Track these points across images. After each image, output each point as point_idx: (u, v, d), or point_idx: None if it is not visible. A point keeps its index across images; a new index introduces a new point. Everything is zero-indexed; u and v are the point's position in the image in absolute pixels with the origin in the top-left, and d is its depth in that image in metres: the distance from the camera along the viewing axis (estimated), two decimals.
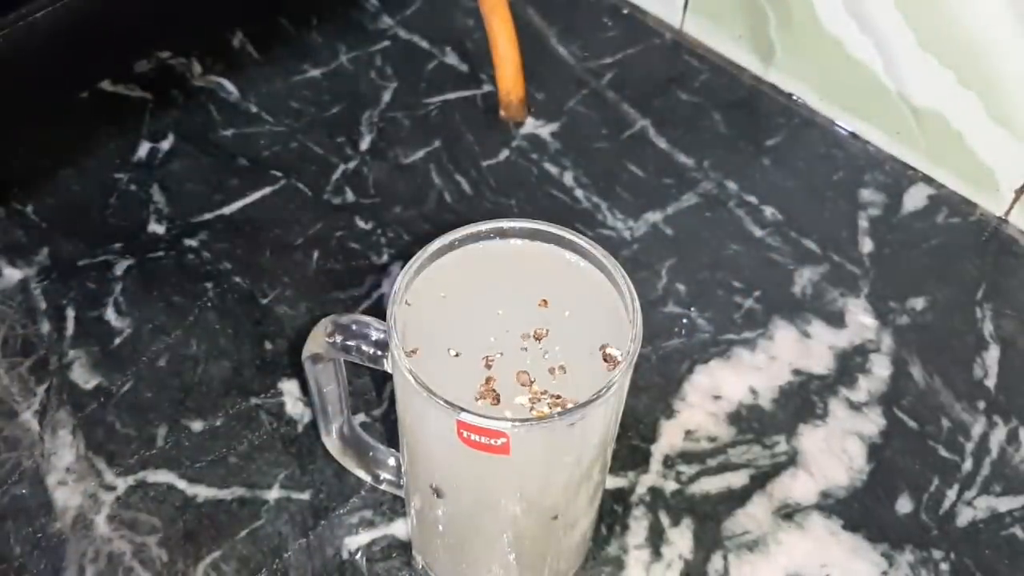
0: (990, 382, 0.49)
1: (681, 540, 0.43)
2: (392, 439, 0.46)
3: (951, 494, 0.45)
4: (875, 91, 0.57)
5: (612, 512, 0.44)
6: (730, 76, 0.63)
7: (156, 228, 0.54)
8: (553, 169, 0.57)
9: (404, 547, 0.43)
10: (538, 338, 0.33)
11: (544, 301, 0.34)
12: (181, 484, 0.44)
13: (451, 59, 0.63)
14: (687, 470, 0.46)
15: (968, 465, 0.46)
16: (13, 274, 0.52)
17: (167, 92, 0.61)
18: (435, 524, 0.38)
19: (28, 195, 0.55)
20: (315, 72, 0.62)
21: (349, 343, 0.34)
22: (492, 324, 0.33)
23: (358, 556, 0.43)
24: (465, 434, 0.30)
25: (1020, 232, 0.55)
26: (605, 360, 0.32)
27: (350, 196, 0.56)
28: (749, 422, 0.47)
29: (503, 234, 0.35)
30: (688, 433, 0.47)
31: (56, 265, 0.52)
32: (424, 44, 0.64)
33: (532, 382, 0.32)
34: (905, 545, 0.43)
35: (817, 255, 0.54)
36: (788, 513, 0.44)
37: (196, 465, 0.45)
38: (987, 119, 0.53)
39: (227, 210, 0.55)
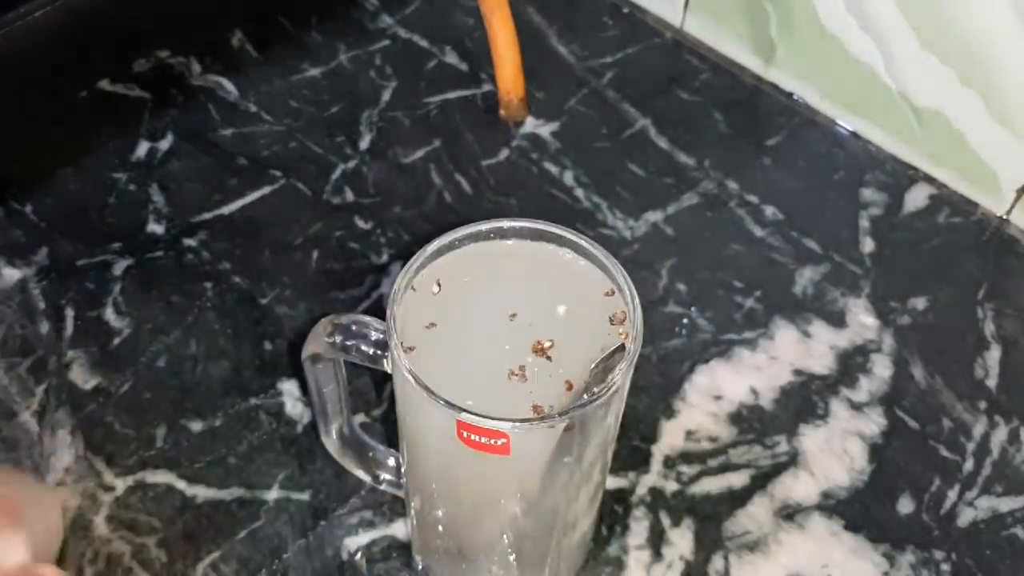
0: (991, 382, 0.49)
1: (682, 540, 0.43)
2: (392, 439, 0.46)
3: (952, 494, 0.45)
4: (876, 90, 0.57)
5: (612, 512, 0.44)
6: (731, 75, 0.63)
7: (155, 228, 0.54)
8: (553, 169, 0.57)
9: (404, 548, 0.43)
10: (538, 337, 0.33)
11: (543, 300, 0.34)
12: (180, 484, 0.44)
13: (451, 59, 0.63)
14: (688, 470, 0.45)
15: (969, 465, 0.46)
16: (12, 274, 0.51)
17: (166, 92, 0.61)
18: (435, 524, 0.38)
19: (27, 195, 0.55)
20: (315, 71, 0.62)
21: (349, 343, 0.34)
22: (492, 323, 0.33)
23: (358, 557, 0.43)
24: (465, 434, 0.30)
25: (1021, 232, 0.55)
26: (611, 322, 0.33)
27: (350, 196, 0.56)
28: (750, 422, 0.47)
29: (503, 234, 0.35)
30: (689, 433, 0.47)
31: (55, 265, 0.52)
32: (424, 44, 0.64)
33: (533, 382, 0.32)
34: (906, 545, 0.43)
35: (818, 255, 0.54)
36: (789, 513, 0.44)
37: (195, 465, 0.45)
38: (988, 118, 0.53)
39: (226, 210, 0.55)
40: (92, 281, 0.51)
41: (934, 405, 0.48)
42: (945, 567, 0.43)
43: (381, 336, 0.34)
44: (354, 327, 0.34)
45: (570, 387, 0.32)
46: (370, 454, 0.42)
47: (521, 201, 0.56)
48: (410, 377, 0.31)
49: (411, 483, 0.38)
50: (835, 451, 0.46)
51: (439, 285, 0.34)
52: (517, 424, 0.30)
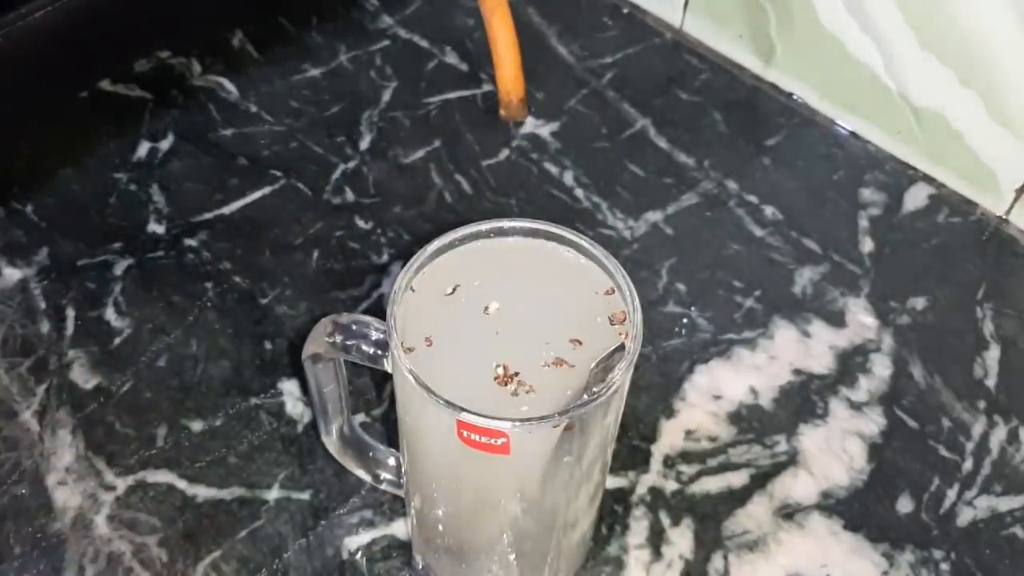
0: (990, 382, 0.49)
1: (681, 540, 0.43)
2: (392, 439, 0.46)
3: (951, 494, 0.45)
4: (875, 90, 0.57)
5: (612, 512, 0.44)
6: (730, 76, 0.63)
7: (156, 228, 0.54)
8: (553, 169, 0.57)
9: (404, 547, 0.43)
10: (537, 337, 0.33)
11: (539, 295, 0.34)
12: (181, 484, 0.44)
13: (451, 59, 0.63)
14: (687, 470, 0.45)
15: (968, 465, 0.46)
16: (13, 274, 0.52)
17: (167, 92, 0.61)
18: (435, 524, 0.38)
19: (28, 195, 0.55)
20: (315, 72, 0.62)
21: (349, 343, 0.34)
22: (492, 323, 0.33)
23: (358, 556, 0.43)
24: (465, 434, 0.30)
25: (1020, 232, 0.55)
26: (611, 322, 0.33)
27: (350, 196, 0.56)
28: (749, 422, 0.47)
29: (503, 233, 0.35)
30: (688, 433, 0.47)
31: (56, 265, 0.52)
32: (424, 44, 0.64)
33: (531, 382, 0.32)
34: (905, 545, 0.43)
35: (817, 255, 0.54)
36: (789, 513, 0.44)
37: (196, 465, 0.45)
38: (987, 118, 0.53)
39: (227, 210, 0.55)
40: (93, 281, 0.51)
41: (933, 405, 0.48)
42: (944, 566, 0.43)
43: (381, 336, 0.34)
44: (354, 327, 0.34)
45: (569, 386, 0.32)
46: (370, 454, 0.42)
47: (521, 201, 0.56)
48: (410, 377, 0.31)
49: (411, 482, 0.38)
50: (834, 451, 0.46)
51: (438, 285, 0.34)
52: (517, 424, 0.30)
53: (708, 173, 0.58)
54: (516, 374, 0.32)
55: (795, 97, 0.61)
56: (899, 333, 0.50)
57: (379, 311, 0.50)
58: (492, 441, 0.30)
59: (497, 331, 0.33)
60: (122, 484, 0.44)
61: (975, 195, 0.56)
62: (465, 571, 0.40)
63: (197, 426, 0.46)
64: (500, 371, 0.32)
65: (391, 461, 0.42)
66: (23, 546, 0.42)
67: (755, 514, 0.44)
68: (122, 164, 0.57)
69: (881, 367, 0.49)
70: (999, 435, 0.47)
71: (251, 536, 0.43)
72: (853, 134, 0.60)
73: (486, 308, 0.34)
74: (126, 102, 0.60)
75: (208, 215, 0.55)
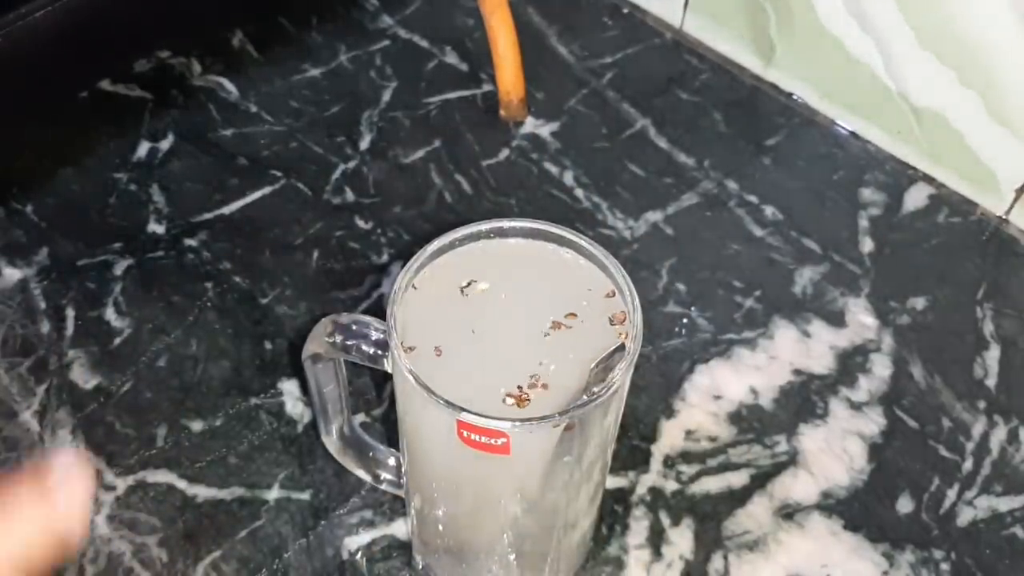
0: (991, 382, 0.49)
1: (681, 540, 0.43)
2: (392, 439, 0.46)
3: (951, 494, 0.45)
4: (875, 90, 0.57)
5: (612, 512, 0.44)
6: (730, 76, 0.63)
7: (156, 228, 0.54)
8: (553, 169, 0.57)
9: (404, 547, 0.43)
10: (537, 336, 0.33)
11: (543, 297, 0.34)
12: (181, 484, 0.44)
13: (451, 59, 0.63)
14: (687, 470, 0.45)
15: (969, 465, 0.46)
16: (13, 274, 0.51)
17: (167, 92, 0.61)
18: (435, 524, 0.38)
19: (28, 195, 0.55)
20: (315, 72, 0.62)
21: (349, 343, 0.34)
22: (492, 323, 0.33)
23: (358, 556, 0.43)
24: (465, 434, 0.30)
25: (1021, 231, 0.55)
26: (611, 322, 0.33)
27: (350, 196, 0.56)
28: (749, 422, 0.47)
29: (503, 234, 0.35)
30: (688, 433, 0.47)
31: (56, 265, 0.52)
32: (424, 44, 0.64)
33: (533, 382, 0.32)
34: (906, 545, 0.43)
35: (817, 255, 0.54)
36: (789, 513, 0.44)
37: (196, 465, 0.45)
38: (987, 118, 0.53)
39: (227, 210, 0.55)
40: (93, 281, 0.51)
41: (933, 405, 0.48)
42: (944, 566, 0.43)
43: (381, 336, 0.34)
44: (355, 327, 0.34)
45: (570, 387, 0.32)
46: (370, 454, 0.42)
47: (521, 201, 0.56)
48: (410, 377, 0.31)
49: (411, 483, 0.38)
50: (835, 451, 0.46)
51: (438, 285, 0.34)
52: (517, 424, 0.30)
53: (708, 173, 0.58)
54: (519, 388, 0.32)
55: (795, 97, 0.61)
56: (899, 333, 0.50)
57: (379, 311, 0.50)
58: (492, 441, 0.30)
59: (496, 330, 0.33)
60: (122, 484, 0.44)
61: (975, 195, 0.56)
62: (465, 571, 0.40)
63: (197, 426, 0.46)
64: (510, 401, 0.32)
65: (391, 461, 0.42)
66: None
67: (755, 514, 0.44)
68: (122, 164, 0.57)
69: (881, 367, 0.49)
70: (999, 435, 0.47)
71: (251, 536, 0.43)
72: (853, 134, 0.60)
73: (485, 308, 0.34)
74: (126, 102, 0.60)
75: (208, 215, 0.55)
